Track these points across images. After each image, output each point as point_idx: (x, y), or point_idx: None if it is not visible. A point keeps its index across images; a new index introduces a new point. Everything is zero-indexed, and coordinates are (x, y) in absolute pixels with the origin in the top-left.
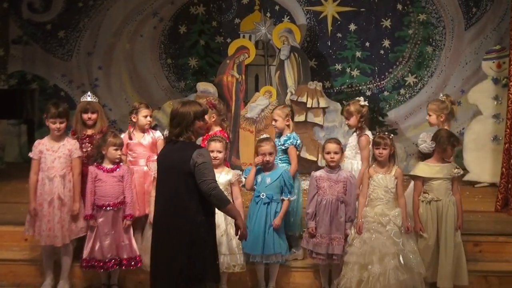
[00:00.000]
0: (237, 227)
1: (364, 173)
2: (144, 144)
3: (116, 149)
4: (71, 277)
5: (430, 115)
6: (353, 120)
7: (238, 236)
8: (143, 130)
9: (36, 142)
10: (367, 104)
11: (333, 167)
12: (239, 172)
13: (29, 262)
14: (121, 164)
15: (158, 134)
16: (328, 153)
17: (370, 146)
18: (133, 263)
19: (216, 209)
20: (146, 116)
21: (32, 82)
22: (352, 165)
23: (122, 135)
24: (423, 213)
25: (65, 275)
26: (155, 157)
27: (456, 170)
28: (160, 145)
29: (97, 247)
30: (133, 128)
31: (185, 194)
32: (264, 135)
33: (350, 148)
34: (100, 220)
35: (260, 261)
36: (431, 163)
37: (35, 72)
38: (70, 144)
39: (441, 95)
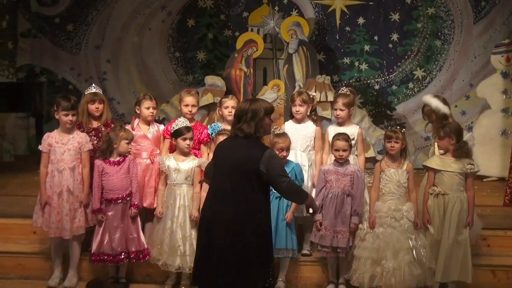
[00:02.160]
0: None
1: (376, 167)
2: (149, 137)
3: (128, 143)
4: (79, 270)
5: (342, 110)
6: (305, 108)
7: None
8: (148, 123)
9: (45, 135)
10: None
11: (342, 163)
12: None
13: (37, 255)
14: (126, 155)
15: (162, 127)
16: (337, 150)
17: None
18: (141, 256)
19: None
20: (148, 108)
21: (40, 75)
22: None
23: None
24: (430, 206)
25: (73, 268)
26: (158, 151)
27: (469, 165)
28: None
29: (106, 241)
30: (137, 120)
31: (249, 192)
32: (279, 130)
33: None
34: (110, 213)
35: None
36: (445, 157)
37: (43, 65)
38: (80, 137)
39: (344, 89)
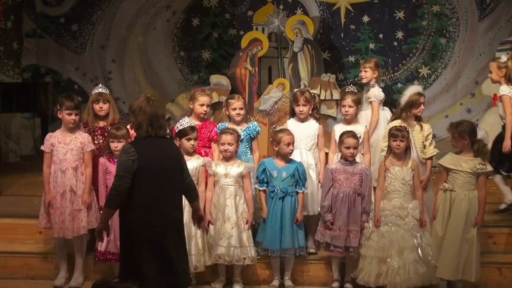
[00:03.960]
0: (200, 219)
1: (381, 165)
2: None
3: (112, 141)
4: (85, 269)
5: (351, 107)
6: (308, 107)
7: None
8: None
9: (48, 135)
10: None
11: (351, 161)
12: (250, 164)
13: (43, 255)
14: None
15: None
16: (348, 148)
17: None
18: None
19: (230, 202)
20: None
21: (45, 76)
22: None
23: None
24: (438, 201)
25: (79, 267)
26: None
27: (480, 165)
28: None
29: (111, 239)
30: None
31: (179, 189)
32: (280, 127)
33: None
34: None
35: (278, 256)
36: (457, 155)
37: (48, 65)
38: (82, 137)
39: (351, 86)
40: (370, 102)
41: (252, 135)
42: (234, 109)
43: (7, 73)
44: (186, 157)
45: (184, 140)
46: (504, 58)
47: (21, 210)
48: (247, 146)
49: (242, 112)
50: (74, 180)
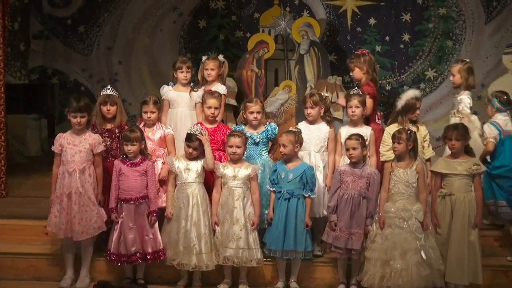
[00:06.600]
0: None
1: (386, 167)
2: (151, 138)
3: (126, 144)
4: (91, 270)
5: (358, 107)
6: (317, 110)
7: None
8: (147, 125)
9: (58, 136)
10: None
11: (355, 162)
12: (258, 167)
13: (49, 256)
14: (146, 159)
15: (168, 130)
16: (348, 149)
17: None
18: (156, 256)
19: (238, 204)
20: (146, 112)
21: (52, 77)
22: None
23: None
24: (438, 208)
25: (85, 268)
26: (162, 152)
27: (475, 166)
28: (170, 140)
29: (121, 240)
30: (143, 122)
31: None
32: (291, 128)
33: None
34: (123, 214)
35: (280, 257)
36: (449, 159)
37: (55, 66)
38: (92, 139)
39: (355, 89)
40: None
41: (271, 138)
42: (252, 112)
43: (14, 75)
44: (186, 159)
45: (184, 145)
46: (221, 57)
47: (27, 211)
48: (263, 148)
49: (259, 116)
50: (81, 182)
